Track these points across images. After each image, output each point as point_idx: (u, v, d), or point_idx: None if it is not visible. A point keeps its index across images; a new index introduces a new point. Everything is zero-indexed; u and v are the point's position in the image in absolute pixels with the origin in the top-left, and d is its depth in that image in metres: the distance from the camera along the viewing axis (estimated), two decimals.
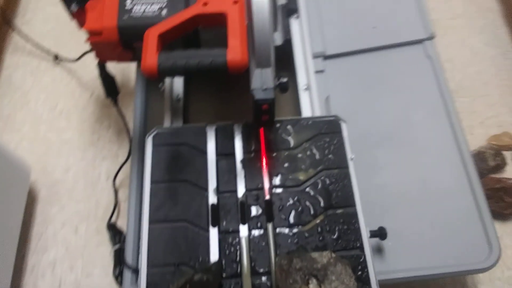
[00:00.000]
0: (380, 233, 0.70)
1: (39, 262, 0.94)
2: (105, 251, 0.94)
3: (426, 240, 0.74)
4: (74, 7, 0.77)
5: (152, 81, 1.03)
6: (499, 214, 0.91)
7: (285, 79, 0.63)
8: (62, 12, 1.29)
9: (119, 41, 0.67)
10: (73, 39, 1.25)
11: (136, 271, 0.80)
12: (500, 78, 1.17)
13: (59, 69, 1.20)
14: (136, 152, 0.92)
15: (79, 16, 0.79)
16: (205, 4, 0.61)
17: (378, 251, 0.74)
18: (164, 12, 0.67)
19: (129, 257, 0.81)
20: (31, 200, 0.99)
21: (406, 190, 0.79)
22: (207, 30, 0.66)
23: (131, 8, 0.67)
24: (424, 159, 0.81)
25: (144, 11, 0.67)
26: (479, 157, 0.99)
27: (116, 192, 0.98)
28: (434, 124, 0.84)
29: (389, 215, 0.77)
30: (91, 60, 1.20)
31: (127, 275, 0.80)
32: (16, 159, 0.91)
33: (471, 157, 0.79)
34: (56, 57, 1.19)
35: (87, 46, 1.20)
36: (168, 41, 0.61)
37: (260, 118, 0.65)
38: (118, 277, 0.84)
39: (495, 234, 0.72)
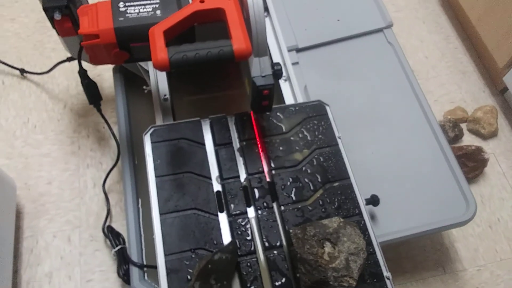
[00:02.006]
0: (373, 200, 0.78)
1: (34, 275, 0.92)
2: (102, 256, 0.94)
3: (410, 204, 0.83)
4: (57, 15, 0.78)
5: (130, 85, 1.06)
6: None
7: (279, 66, 0.69)
8: (21, 28, 1.28)
9: (116, 42, 0.69)
10: (36, 53, 1.24)
11: (142, 267, 0.82)
12: (445, 60, 1.30)
13: (26, 84, 1.18)
14: (125, 154, 0.94)
15: (61, 24, 0.81)
16: (201, 1, 0.65)
17: (371, 218, 0.82)
18: (158, 12, 0.70)
19: (133, 255, 0.83)
20: (17, 216, 0.97)
21: (387, 163, 0.87)
22: (201, 26, 0.71)
23: (125, 10, 0.70)
24: (399, 134, 0.90)
25: (138, 12, 0.70)
26: None
27: (107, 197, 0.98)
28: (403, 101, 0.94)
29: (375, 187, 0.84)
30: (61, 72, 1.19)
31: (135, 271, 0.82)
32: (2, 174, 0.89)
33: (439, 127, 0.89)
34: (23, 71, 1.17)
35: (53, 60, 1.20)
36: (169, 38, 0.65)
37: (260, 104, 0.70)
38: (125, 276, 0.84)
39: (470, 191, 0.82)
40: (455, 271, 0.96)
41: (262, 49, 0.65)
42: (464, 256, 0.98)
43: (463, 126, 1.14)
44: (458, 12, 1.38)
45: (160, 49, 0.59)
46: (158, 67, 0.59)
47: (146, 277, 0.82)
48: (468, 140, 1.13)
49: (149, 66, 0.92)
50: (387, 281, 0.68)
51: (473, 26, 1.24)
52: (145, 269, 0.83)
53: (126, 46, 0.71)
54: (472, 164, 1.02)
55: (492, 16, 1.14)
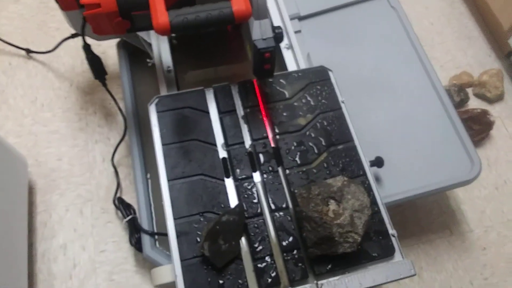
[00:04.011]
0: (377, 162, 0.78)
1: (49, 247, 0.95)
2: (114, 228, 0.96)
3: (416, 166, 0.84)
4: None
5: (134, 61, 1.06)
6: None
7: (280, 29, 0.69)
8: (25, 9, 1.29)
9: (118, 10, 0.70)
10: (41, 33, 1.25)
11: (153, 235, 0.84)
12: (451, 26, 1.29)
13: (32, 63, 1.20)
14: (132, 127, 0.95)
15: None
16: None
17: (376, 180, 0.82)
18: None
19: (144, 224, 0.85)
20: (29, 192, 0.99)
21: (392, 127, 0.88)
22: None
23: None
24: (404, 98, 0.90)
25: None
26: None
27: (116, 170, 1.00)
28: (407, 66, 0.93)
29: (380, 150, 0.84)
30: (66, 51, 1.20)
31: (146, 239, 0.84)
32: (14, 151, 0.91)
33: (444, 90, 0.89)
34: (29, 51, 1.19)
35: (57, 39, 1.21)
36: (169, 4, 0.65)
37: (262, 68, 0.70)
38: (137, 244, 0.87)
39: (474, 150, 0.82)
40: (462, 232, 0.97)
41: (262, 11, 0.65)
42: (471, 217, 0.99)
43: (469, 91, 1.14)
44: None
45: (160, 13, 0.60)
46: (159, 30, 0.59)
47: (157, 245, 0.84)
48: (474, 104, 1.13)
49: (151, 38, 0.92)
50: (392, 238, 0.69)
51: None
52: (156, 236, 0.85)
53: (128, 15, 0.71)
54: (477, 127, 1.02)
55: None
